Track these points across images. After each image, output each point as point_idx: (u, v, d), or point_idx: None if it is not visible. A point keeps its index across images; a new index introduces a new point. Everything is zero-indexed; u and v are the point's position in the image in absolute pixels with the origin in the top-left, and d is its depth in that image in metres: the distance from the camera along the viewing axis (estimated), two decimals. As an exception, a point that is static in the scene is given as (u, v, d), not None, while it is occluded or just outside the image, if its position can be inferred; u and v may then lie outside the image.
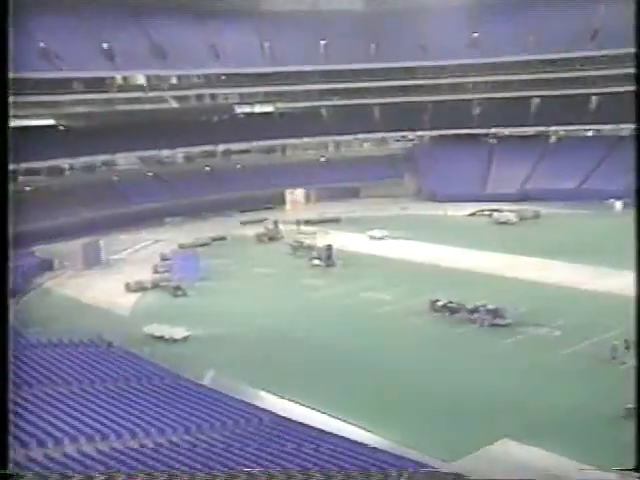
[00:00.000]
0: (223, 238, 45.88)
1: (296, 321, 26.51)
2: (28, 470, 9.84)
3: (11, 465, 6.76)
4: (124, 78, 54.65)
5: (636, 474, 6.79)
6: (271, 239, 44.02)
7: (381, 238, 42.24)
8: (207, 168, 62.97)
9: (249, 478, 9.19)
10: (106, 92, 52.06)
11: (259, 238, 44.35)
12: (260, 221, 50.77)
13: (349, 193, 63.84)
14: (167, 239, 47.18)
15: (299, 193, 66.59)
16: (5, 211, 5.75)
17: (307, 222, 48.98)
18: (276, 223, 46.66)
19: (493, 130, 62.09)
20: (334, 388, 19.75)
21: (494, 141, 62.68)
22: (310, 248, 38.32)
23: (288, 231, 45.29)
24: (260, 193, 60.54)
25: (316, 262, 35.95)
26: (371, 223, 46.37)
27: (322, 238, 41.52)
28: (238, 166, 65.27)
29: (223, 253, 40.47)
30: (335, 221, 50.32)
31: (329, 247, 36.57)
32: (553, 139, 59.49)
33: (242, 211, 57.11)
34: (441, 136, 64.93)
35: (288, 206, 63.64)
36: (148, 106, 57.09)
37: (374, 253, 38.63)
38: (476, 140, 62.50)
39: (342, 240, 41.98)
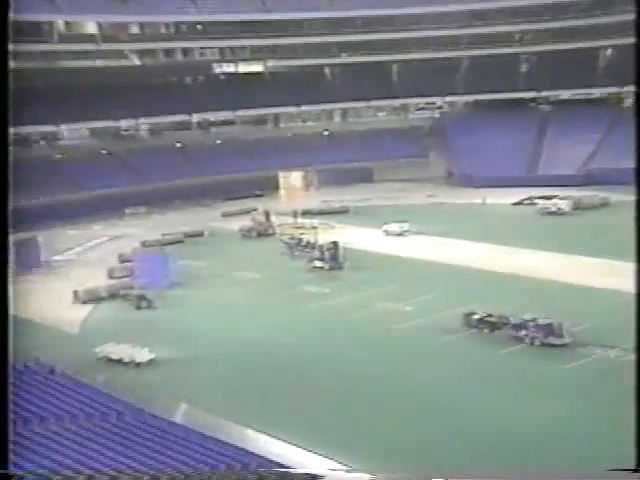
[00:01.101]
0: (199, 234, 46.34)
1: (291, 341, 26.32)
2: (28, 470, 10.84)
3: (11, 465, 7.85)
4: (68, 25, 51.65)
5: (636, 474, 7.61)
6: (261, 235, 44.38)
7: (400, 234, 42.57)
8: (178, 144, 62.97)
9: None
10: (45, 42, 49.02)
11: (245, 234, 44.73)
12: (247, 212, 51.37)
13: (360, 176, 63.69)
14: (127, 235, 47.04)
15: (296, 177, 66.70)
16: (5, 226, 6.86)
17: (306, 213, 49.08)
18: (267, 215, 46.89)
19: (546, 93, 59.84)
20: (342, 430, 18.97)
21: (547, 107, 60.52)
22: (310, 246, 38.55)
23: (282, 225, 45.54)
24: (247, 176, 60.72)
25: (318, 264, 36.18)
26: (388, 215, 46.59)
27: (325, 234, 41.86)
28: (218, 141, 65.35)
29: (199, 253, 40.77)
30: (342, 212, 50.63)
31: (334, 245, 36.69)
32: (628, 103, 54.61)
33: (224, 199, 57.48)
34: (478, 102, 64.05)
35: (282, 193, 63.92)
36: (101, 62, 55.74)
37: (392, 253, 38.87)
38: (524, 107, 60.77)
39: (351, 236, 42.21)
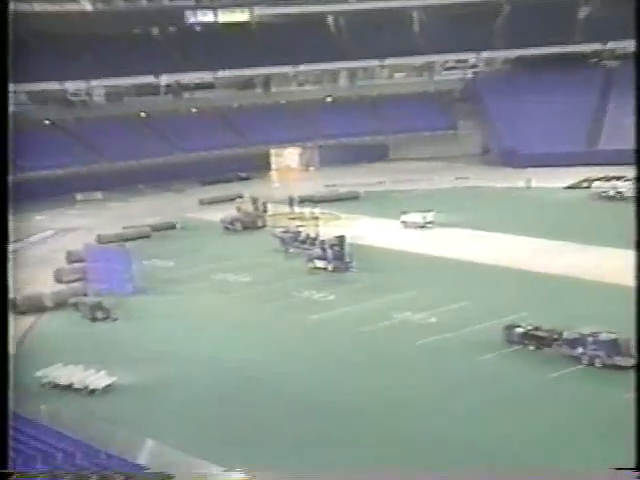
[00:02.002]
0: (170, 227, 46.94)
1: (285, 362, 26.12)
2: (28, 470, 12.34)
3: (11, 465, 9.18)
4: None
5: (636, 474, 9.16)
6: (248, 228, 44.68)
7: (423, 226, 42.84)
8: (142, 114, 63.00)
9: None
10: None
11: (229, 226, 45.10)
12: (230, 199, 51.98)
13: (372, 154, 63.82)
14: (79, 227, 47.10)
15: (292, 154, 66.89)
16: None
17: (305, 201, 49.59)
18: (256, 202, 47.84)
19: (612, 45, 58.72)
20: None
21: (613, 64, 59.72)
22: (310, 242, 38.84)
23: (275, 215, 46.10)
24: (230, 154, 61.04)
25: (319, 264, 36.35)
26: (407, 202, 46.90)
27: (329, 226, 42.28)
28: (194, 110, 65.31)
29: (170, 251, 41.08)
30: (350, 199, 51.06)
31: (340, 240, 36.76)
32: None
33: (201, 183, 57.84)
34: (522, 59, 63.70)
35: (275, 175, 63.98)
36: (39, 7, 55.18)
37: (412, 249, 38.98)
38: (582, 64, 60.44)
39: (360, 229, 42.58)
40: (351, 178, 57.38)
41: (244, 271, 36.59)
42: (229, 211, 46.64)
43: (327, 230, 40.58)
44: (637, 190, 9.34)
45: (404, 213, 43.81)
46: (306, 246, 38.77)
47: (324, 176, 59.19)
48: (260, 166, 61.38)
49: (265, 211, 47.36)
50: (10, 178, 11.64)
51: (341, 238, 36.76)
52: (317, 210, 46.17)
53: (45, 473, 12.80)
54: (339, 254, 36.15)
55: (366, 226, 44.12)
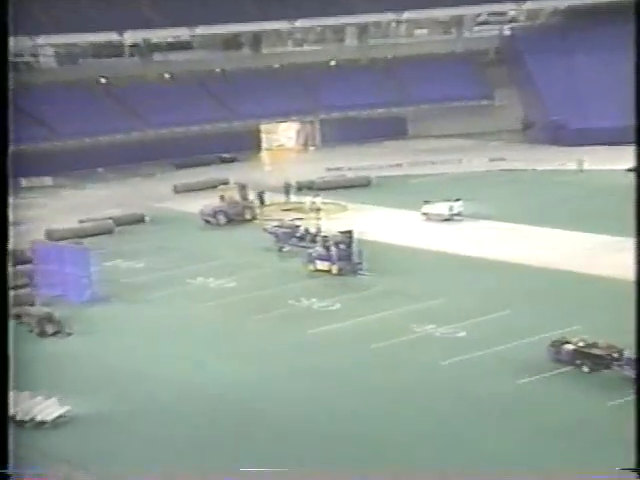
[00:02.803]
0: (138, 220, 47.24)
1: (278, 387, 26.01)
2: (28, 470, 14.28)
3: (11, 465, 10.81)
4: None
5: (636, 474, 10.52)
6: (233, 221, 45.15)
7: (449, 218, 43.27)
8: (103, 79, 62.84)
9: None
10: None
11: (210, 219, 45.49)
12: (211, 187, 52.12)
13: (387, 129, 63.83)
14: (24, 220, 47.16)
15: (287, 131, 66.83)
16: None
17: (304, 188, 50.18)
18: (243, 190, 47.40)
19: None
20: None
21: None
22: (310, 238, 39.33)
23: (267, 206, 46.93)
24: (211, 130, 60.99)
25: (322, 265, 36.56)
26: (430, 189, 47.12)
27: (334, 219, 42.64)
28: (167, 76, 65.32)
29: (138, 249, 41.35)
30: (359, 185, 51.47)
31: (347, 237, 36.92)
32: None
33: (176, 166, 57.74)
34: (573, 10, 63.52)
35: (266, 156, 63.93)
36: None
37: (436, 248, 39.32)
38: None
39: (373, 222, 42.85)
40: (360, 160, 57.42)
41: (229, 274, 36.70)
42: (210, 200, 46.71)
43: (331, 224, 40.74)
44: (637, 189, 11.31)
45: (426, 203, 43.94)
46: (305, 243, 38.95)
47: (327, 158, 59.30)
48: (248, 145, 61.69)
49: (262, 202, 47.60)
50: None
51: (348, 234, 36.83)
52: (319, 200, 46.14)
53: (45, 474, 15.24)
54: (346, 253, 36.21)
55: (379, 219, 44.23)
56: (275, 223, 41.97)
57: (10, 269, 40.01)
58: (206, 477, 19.67)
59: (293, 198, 49.23)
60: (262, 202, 47.90)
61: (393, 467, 19.74)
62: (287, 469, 19.53)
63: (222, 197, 46.64)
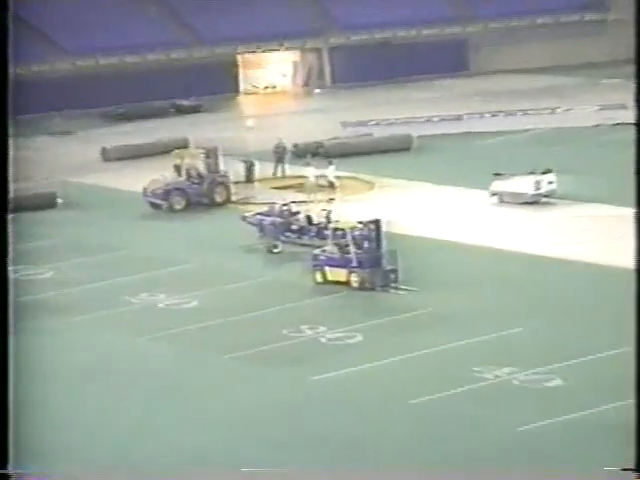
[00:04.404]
0: (47, 201, 46.83)
1: (272, 457, 25.26)
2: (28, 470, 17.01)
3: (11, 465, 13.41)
4: None
5: (636, 474, 14.08)
6: (197, 205, 45.86)
7: (534, 200, 43.69)
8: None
9: None
10: None
11: (160, 202, 46.02)
12: (163, 151, 50.15)
13: (436, 62, 65.45)
14: None
15: (280, 65, 66.35)
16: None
17: (308, 153, 50.28)
18: (212, 156, 47.05)
19: None
20: None
21: None
22: (316, 232, 39.77)
23: (249, 184, 47.19)
24: (166, 62, 61.11)
25: (334, 274, 36.50)
26: (504, 155, 48.75)
27: (352, 201, 43.18)
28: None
29: (48, 249, 41.65)
30: (394, 149, 51.41)
31: (374, 230, 36.59)
32: None
33: (111, 118, 56.80)
34: None
35: (248, 104, 63.11)
36: None
37: (512, 247, 39.57)
38: None
39: (414, 208, 43.61)
40: (395, 110, 56.44)
41: (188, 289, 36.39)
42: (160, 173, 46.11)
43: (348, 210, 40.68)
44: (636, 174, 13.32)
45: (498, 177, 43.75)
46: (308, 240, 39.18)
47: (342, 106, 58.37)
48: (219, 86, 61.91)
49: (251, 179, 47.21)
50: None
51: (374, 226, 36.27)
52: (330, 172, 46.02)
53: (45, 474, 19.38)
54: (372, 256, 35.81)
55: (424, 202, 44.01)
56: (261, 209, 41.55)
57: None
58: (206, 477, 23.88)
59: (288, 170, 48.93)
60: (250, 178, 47.54)
61: (393, 467, 23.58)
62: (287, 469, 22.98)
63: (178, 168, 46.25)
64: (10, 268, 42.29)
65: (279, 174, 48.01)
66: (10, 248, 42.80)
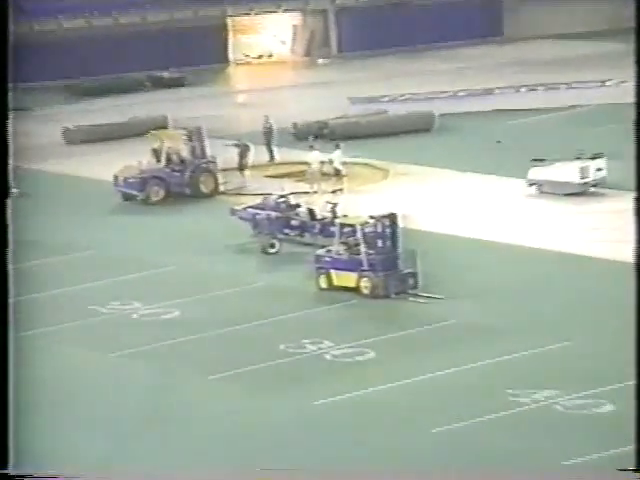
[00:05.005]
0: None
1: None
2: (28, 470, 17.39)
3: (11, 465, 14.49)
4: None
5: (636, 474, 15.85)
6: (178, 196, 46.46)
7: (581, 190, 44.11)
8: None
9: None
10: None
11: (136, 192, 46.63)
12: (138, 132, 50.70)
13: (464, 26, 64.42)
14: None
15: (278, 30, 66.29)
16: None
17: (310, 134, 50.63)
18: (196, 139, 47.12)
19: None
20: None
21: None
22: (320, 228, 40.07)
23: (240, 171, 47.81)
24: (141, 26, 60.65)
25: (341, 278, 36.62)
26: (544, 137, 48.64)
27: (363, 192, 43.07)
28: None
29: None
30: (414, 129, 52.40)
31: (389, 226, 36.29)
32: None
33: (78, 92, 56.56)
34: None
35: (239, 76, 63.03)
36: None
37: (554, 247, 40.08)
38: None
39: (437, 200, 44.01)
40: (414, 84, 56.30)
41: (167, 296, 36.40)
42: (134, 159, 46.19)
43: (358, 203, 40.45)
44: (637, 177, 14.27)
45: (537, 163, 43.34)
46: (310, 238, 39.19)
47: (350, 79, 58.18)
48: (205, 55, 60.74)
49: (243, 165, 46.79)
50: None
51: (390, 221, 35.91)
52: (336, 157, 45.53)
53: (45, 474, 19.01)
54: (386, 257, 35.54)
55: (449, 193, 43.84)
56: (254, 201, 41.42)
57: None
58: (206, 477, 25.80)
59: (284, 155, 48.86)
60: (242, 165, 47.01)
61: (393, 467, 25.49)
62: (287, 469, 24.48)
63: (156, 152, 45.93)
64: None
65: (270, 159, 47.42)
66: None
